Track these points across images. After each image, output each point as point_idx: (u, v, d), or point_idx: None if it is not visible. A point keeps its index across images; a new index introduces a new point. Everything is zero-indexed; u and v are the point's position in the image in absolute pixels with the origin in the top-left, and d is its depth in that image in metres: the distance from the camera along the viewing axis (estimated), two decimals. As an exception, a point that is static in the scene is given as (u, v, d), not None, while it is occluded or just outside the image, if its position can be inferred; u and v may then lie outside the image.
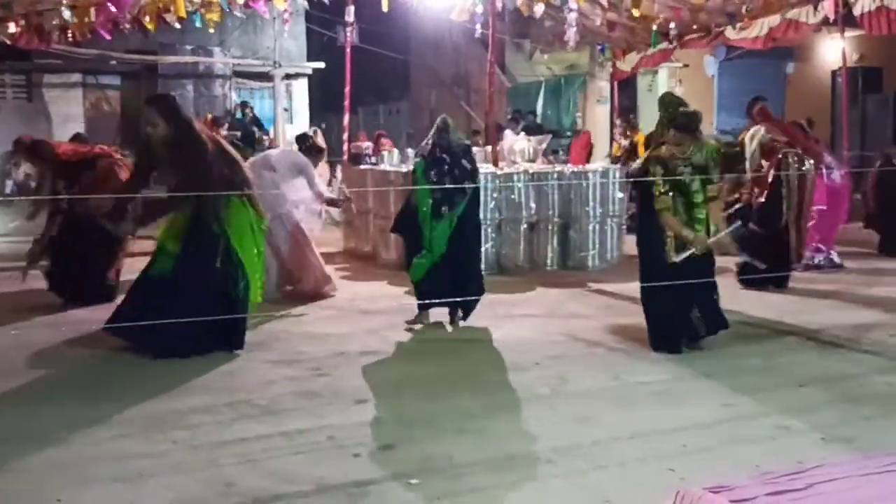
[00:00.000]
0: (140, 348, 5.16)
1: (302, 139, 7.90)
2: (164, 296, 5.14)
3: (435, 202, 5.80)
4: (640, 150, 11.21)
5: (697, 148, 5.27)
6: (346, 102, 11.22)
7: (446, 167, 5.85)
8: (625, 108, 16.71)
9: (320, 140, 8.59)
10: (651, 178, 5.19)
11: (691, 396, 4.42)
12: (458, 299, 5.90)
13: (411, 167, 6.52)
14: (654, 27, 10.57)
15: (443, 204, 5.80)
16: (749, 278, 6.97)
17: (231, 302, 5.29)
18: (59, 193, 6.60)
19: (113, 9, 9.18)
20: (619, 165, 10.25)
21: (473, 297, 5.93)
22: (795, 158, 7.18)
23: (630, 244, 7.52)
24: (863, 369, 4.97)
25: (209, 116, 9.74)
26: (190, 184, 5.13)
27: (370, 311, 6.57)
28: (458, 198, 5.82)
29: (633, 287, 7.27)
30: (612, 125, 13.83)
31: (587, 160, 12.26)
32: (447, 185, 5.77)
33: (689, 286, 5.05)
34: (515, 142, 10.06)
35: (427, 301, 5.91)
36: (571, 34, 10.52)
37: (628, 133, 11.70)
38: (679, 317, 5.24)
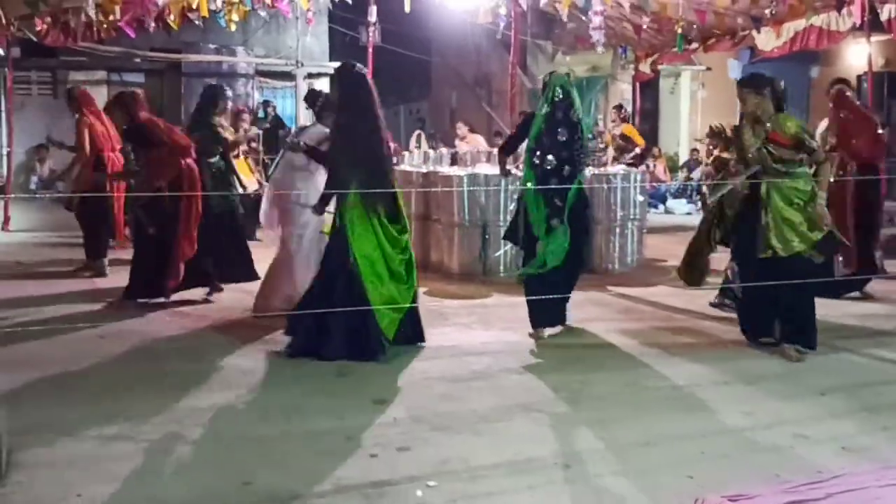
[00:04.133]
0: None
1: (314, 96, 6.50)
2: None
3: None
4: (637, 137, 11.18)
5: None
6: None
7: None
8: (646, 111, 16.64)
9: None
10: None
11: (710, 402, 4.40)
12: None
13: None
14: (679, 30, 10.50)
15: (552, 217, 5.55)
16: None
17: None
18: None
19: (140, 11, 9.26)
20: (617, 160, 10.29)
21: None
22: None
23: (650, 249, 7.49)
24: (884, 378, 4.94)
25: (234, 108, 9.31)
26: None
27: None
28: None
29: (653, 291, 7.27)
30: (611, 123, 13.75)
31: None
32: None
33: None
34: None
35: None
36: (599, 36, 10.49)
37: (614, 124, 11.65)
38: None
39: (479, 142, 11.87)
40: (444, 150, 10.46)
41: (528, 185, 5.60)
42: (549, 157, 5.53)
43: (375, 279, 5.06)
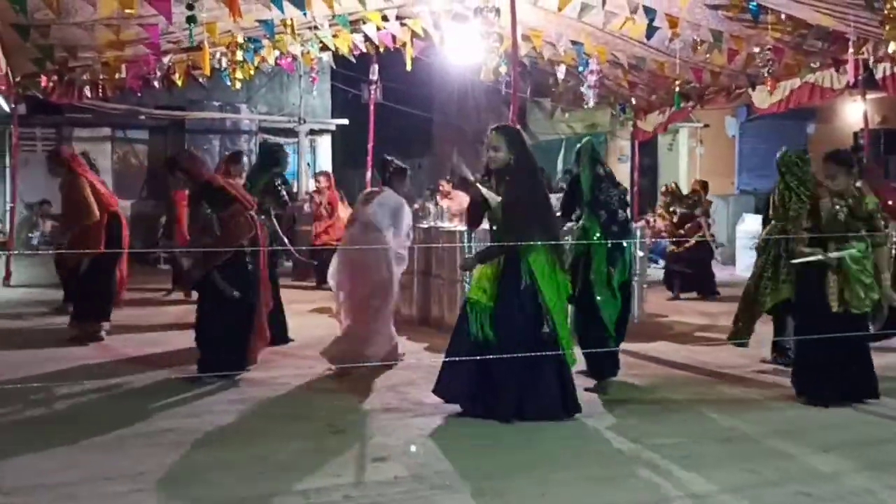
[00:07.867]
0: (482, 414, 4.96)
1: (385, 164, 6.86)
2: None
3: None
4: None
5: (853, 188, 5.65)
6: (369, 158, 11.40)
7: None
8: (645, 167, 16.78)
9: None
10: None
11: (712, 460, 4.35)
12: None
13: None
14: (677, 89, 10.66)
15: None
16: None
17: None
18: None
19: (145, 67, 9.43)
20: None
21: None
22: None
23: (651, 304, 7.51)
24: (888, 435, 4.90)
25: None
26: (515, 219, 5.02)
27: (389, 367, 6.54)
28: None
29: (654, 346, 7.24)
30: (633, 184, 13.85)
31: None
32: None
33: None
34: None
35: None
36: (591, 95, 10.64)
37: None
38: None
39: (462, 199, 11.91)
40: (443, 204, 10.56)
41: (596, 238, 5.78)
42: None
43: (565, 332, 5.10)
